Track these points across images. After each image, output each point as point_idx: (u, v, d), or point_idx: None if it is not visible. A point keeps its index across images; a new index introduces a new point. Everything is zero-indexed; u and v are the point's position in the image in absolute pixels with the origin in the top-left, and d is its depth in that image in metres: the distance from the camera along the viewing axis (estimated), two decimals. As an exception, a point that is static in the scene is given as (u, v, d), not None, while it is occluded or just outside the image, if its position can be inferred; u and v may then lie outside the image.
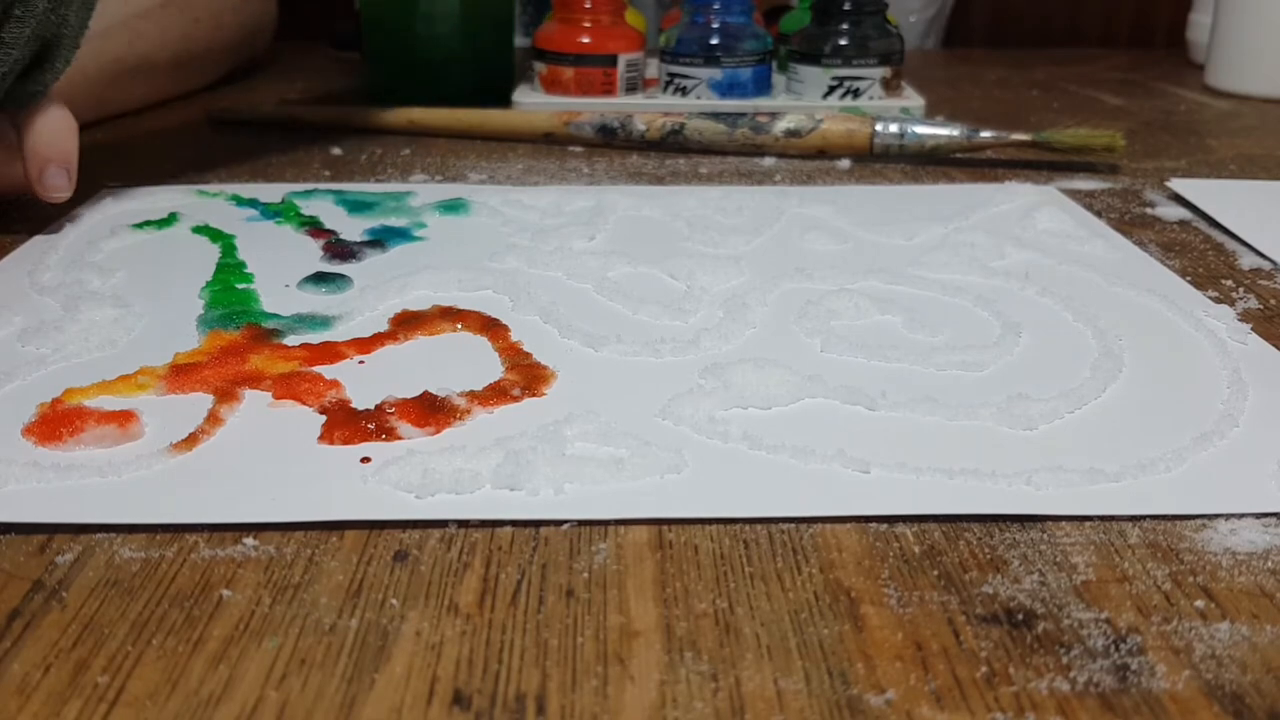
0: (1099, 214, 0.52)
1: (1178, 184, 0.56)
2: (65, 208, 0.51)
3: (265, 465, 0.29)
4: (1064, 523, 0.27)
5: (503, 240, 0.47)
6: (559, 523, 0.27)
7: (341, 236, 0.48)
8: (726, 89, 0.72)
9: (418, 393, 0.33)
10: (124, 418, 0.31)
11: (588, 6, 0.72)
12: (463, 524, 0.27)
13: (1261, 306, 0.41)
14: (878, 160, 0.62)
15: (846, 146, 0.62)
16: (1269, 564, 0.26)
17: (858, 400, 0.33)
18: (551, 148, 0.65)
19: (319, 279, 0.42)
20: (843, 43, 0.71)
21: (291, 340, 0.37)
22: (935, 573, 0.25)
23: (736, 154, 0.64)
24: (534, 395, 0.33)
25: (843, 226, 0.50)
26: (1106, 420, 0.32)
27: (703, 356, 0.36)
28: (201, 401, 0.33)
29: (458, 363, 0.36)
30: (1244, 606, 0.24)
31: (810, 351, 0.37)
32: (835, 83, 0.72)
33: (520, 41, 0.85)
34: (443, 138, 0.67)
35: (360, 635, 0.23)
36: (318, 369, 0.35)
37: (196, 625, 0.23)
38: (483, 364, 0.36)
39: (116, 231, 0.48)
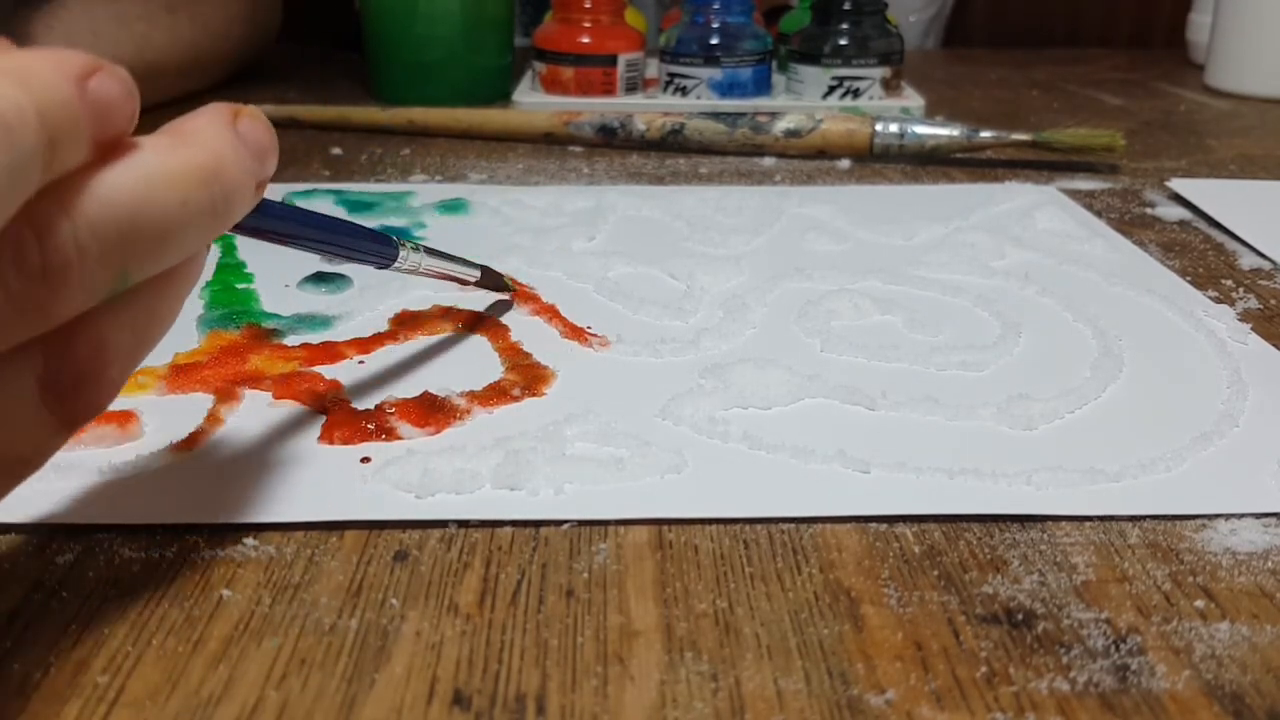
0: (1099, 214, 0.52)
1: (1178, 184, 0.56)
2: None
3: (265, 465, 0.29)
4: (1064, 523, 0.27)
5: (503, 240, 0.47)
6: (559, 523, 0.27)
7: (341, 236, 0.48)
8: (726, 89, 0.72)
9: (418, 393, 0.33)
10: (123, 418, 0.31)
11: (588, 6, 0.72)
12: (463, 524, 0.27)
13: (1261, 306, 0.41)
14: (878, 160, 0.62)
15: (846, 146, 0.62)
16: (1269, 564, 0.26)
17: (858, 400, 0.33)
18: (551, 148, 0.65)
19: (319, 279, 0.42)
20: (842, 43, 0.71)
21: (291, 340, 0.37)
22: (935, 573, 0.25)
23: (736, 154, 0.64)
24: (534, 395, 0.33)
25: (843, 226, 0.50)
26: (1106, 420, 0.32)
27: (703, 356, 0.36)
28: (201, 401, 0.33)
29: (458, 363, 0.36)
30: (1244, 606, 0.24)
31: (810, 351, 0.37)
32: (835, 83, 0.72)
33: (520, 41, 0.85)
34: (443, 138, 0.67)
35: (360, 635, 0.23)
36: (318, 369, 0.35)
37: (196, 625, 0.23)
38: (483, 364, 0.36)
39: (116, 231, 0.48)
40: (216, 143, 0.21)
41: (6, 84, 0.17)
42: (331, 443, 0.30)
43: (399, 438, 0.31)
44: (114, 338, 0.20)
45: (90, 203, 0.19)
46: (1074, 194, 0.56)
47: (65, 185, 0.19)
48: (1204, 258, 0.47)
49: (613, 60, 0.73)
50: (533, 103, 0.72)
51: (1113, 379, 0.35)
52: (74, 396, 0.20)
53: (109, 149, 0.19)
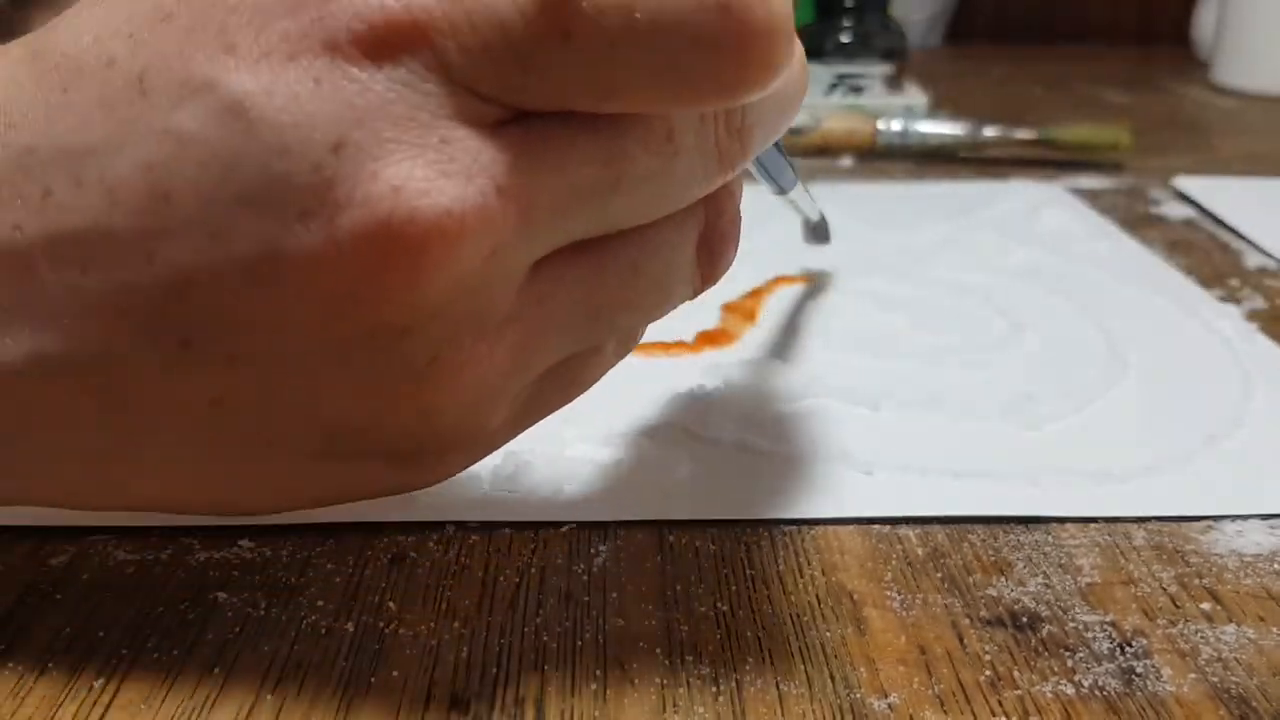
0: (1104, 213, 0.52)
1: (1183, 182, 0.56)
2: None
3: (263, 466, 0.29)
4: (1069, 524, 0.27)
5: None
6: (558, 524, 0.27)
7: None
8: (729, 87, 0.72)
9: (417, 393, 0.33)
10: (121, 418, 0.30)
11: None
12: (461, 526, 0.27)
13: (1268, 306, 0.41)
14: (880, 158, 0.62)
15: (848, 144, 0.62)
16: (1275, 566, 0.25)
17: (860, 401, 0.33)
18: (553, 146, 0.65)
19: (319, 278, 0.42)
20: (845, 39, 0.71)
21: (290, 340, 0.37)
22: (939, 575, 0.25)
23: (739, 152, 0.63)
24: (534, 395, 0.33)
25: (845, 225, 0.49)
26: (1112, 421, 0.32)
27: (703, 356, 0.36)
28: (199, 402, 0.32)
29: (457, 362, 0.35)
30: (1250, 609, 0.24)
31: (811, 351, 0.36)
32: (837, 80, 0.71)
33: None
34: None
35: (356, 638, 0.23)
36: (316, 369, 0.35)
37: (191, 628, 0.23)
38: (483, 364, 0.35)
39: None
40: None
41: None
42: (330, 443, 0.30)
43: (398, 438, 0.30)
44: (739, 198, 0.23)
45: None
46: (1079, 192, 0.55)
47: None
48: (1210, 257, 0.46)
49: (615, 58, 0.72)
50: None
51: (1118, 379, 0.34)
52: (720, 253, 0.23)
53: None
